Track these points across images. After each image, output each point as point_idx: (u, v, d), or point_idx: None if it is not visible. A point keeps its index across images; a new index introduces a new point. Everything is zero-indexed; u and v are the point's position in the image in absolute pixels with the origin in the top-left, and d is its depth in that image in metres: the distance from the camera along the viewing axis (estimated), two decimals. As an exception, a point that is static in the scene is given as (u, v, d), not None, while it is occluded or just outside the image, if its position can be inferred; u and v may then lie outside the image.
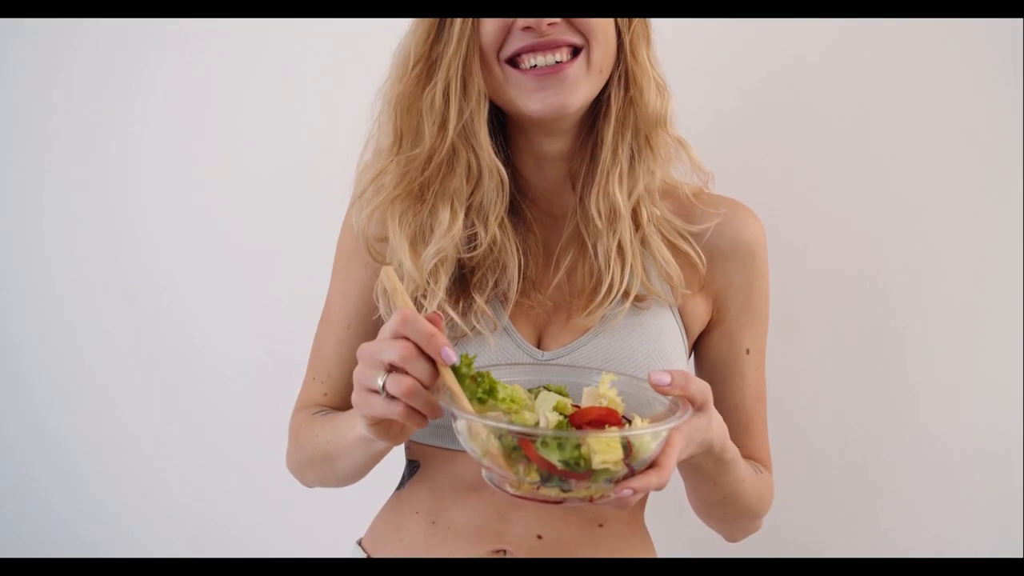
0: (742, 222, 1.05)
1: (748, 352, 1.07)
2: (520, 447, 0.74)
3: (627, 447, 0.75)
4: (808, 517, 1.34)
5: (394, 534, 1.05)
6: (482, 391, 0.78)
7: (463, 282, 1.01)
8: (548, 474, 0.74)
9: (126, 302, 1.62)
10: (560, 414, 0.78)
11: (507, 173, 1.01)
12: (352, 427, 0.92)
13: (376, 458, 0.97)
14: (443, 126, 0.97)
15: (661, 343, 0.99)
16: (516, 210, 1.04)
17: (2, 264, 1.69)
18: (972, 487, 1.27)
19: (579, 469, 0.74)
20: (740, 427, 1.07)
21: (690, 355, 1.09)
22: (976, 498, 1.27)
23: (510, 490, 0.77)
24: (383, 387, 0.77)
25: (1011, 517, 1.25)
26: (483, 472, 0.79)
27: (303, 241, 1.49)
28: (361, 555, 1.08)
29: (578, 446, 0.73)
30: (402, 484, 1.08)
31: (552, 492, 0.76)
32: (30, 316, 1.69)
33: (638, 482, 0.76)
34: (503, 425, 0.75)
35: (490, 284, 1.01)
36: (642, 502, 1.07)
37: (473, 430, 0.77)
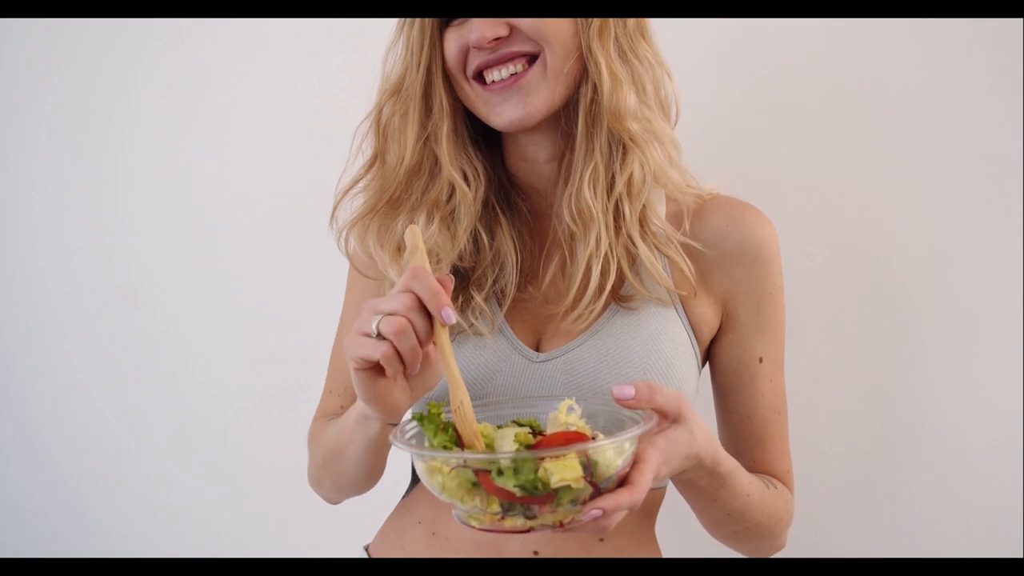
0: (750, 225, 1.02)
1: (761, 361, 1.03)
2: (479, 482, 0.73)
3: (587, 464, 0.72)
4: (807, 518, 1.33)
5: (397, 542, 1.06)
6: (450, 436, 0.79)
7: (463, 280, 1.02)
8: (509, 504, 0.73)
9: (120, 306, 1.62)
10: (521, 445, 0.76)
11: (502, 174, 1.05)
12: (353, 410, 0.94)
13: (376, 445, 0.95)
14: (405, 146, 1.00)
15: (660, 344, 0.97)
16: (512, 206, 1.06)
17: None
18: (972, 487, 1.26)
19: (538, 492, 0.71)
20: (754, 440, 1.04)
21: (704, 362, 1.06)
22: (976, 498, 1.26)
23: (475, 525, 0.76)
24: (376, 328, 0.78)
25: (1011, 517, 1.24)
26: (452, 511, 0.79)
27: (299, 246, 1.49)
28: (365, 562, 1.09)
29: (535, 469, 0.71)
30: (408, 492, 1.10)
31: (517, 521, 0.74)
32: (23, 321, 1.69)
33: (606, 501, 0.73)
34: (454, 455, 0.75)
35: (489, 281, 1.02)
36: (650, 515, 1.05)
37: (431, 468, 0.76)
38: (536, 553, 0.97)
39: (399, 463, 1.11)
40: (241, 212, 1.56)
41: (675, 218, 1.02)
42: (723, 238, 1.01)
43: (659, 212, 1.01)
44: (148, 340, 1.63)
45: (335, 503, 1.13)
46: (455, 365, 0.80)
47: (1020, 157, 1.21)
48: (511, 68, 0.95)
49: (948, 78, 1.23)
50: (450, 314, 0.78)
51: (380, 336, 0.78)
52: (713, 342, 1.04)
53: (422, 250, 0.82)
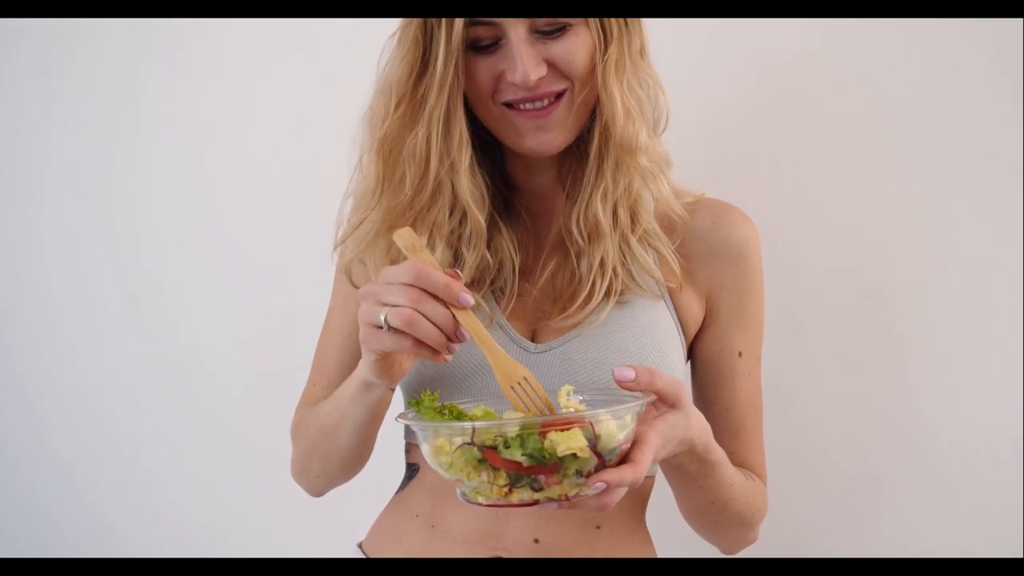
0: (735, 224, 1.07)
1: (741, 355, 1.07)
2: (485, 459, 0.75)
3: (591, 436, 0.75)
4: (808, 517, 1.34)
5: (393, 537, 1.06)
6: (449, 419, 0.81)
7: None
8: (516, 475, 0.75)
9: (126, 306, 1.62)
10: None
11: (499, 182, 1.06)
12: (350, 383, 0.96)
13: (374, 413, 0.98)
14: (425, 173, 0.98)
15: (654, 335, 1.01)
16: (509, 206, 1.08)
17: (2, 266, 1.69)
18: (972, 487, 1.27)
19: (546, 461, 0.74)
20: (731, 432, 1.07)
21: (688, 357, 1.09)
22: (976, 498, 1.27)
23: (482, 501, 0.77)
24: (385, 321, 0.80)
25: (1011, 517, 1.25)
26: (456, 490, 0.80)
27: (305, 246, 1.48)
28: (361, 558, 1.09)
29: (541, 440, 0.74)
30: (402, 487, 1.10)
31: (524, 494, 0.76)
32: (29, 319, 1.69)
33: (611, 475, 0.75)
34: (463, 424, 0.77)
35: (488, 280, 1.04)
36: (641, 503, 1.07)
37: (437, 447, 0.78)
38: (536, 541, 0.99)
39: (391, 458, 1.11)
40: (247, 212, 1.56)
41: (663, 218, 1.05)
42: (709, 235, 1.06)
43: (649, 210, 1.05)
44: (150, 343, 1.63)
45: (318, 494, 1.14)
46: (496, 345, 0.84)
47: (1020, 158, 1.21)
48: (544, 101, 0.97)
49: (948, 77, 1.24)
50: (467, 297, 0.81)
51: (394, 329, 0.80)
52: (696, 336, 1.08)
53: (421, 248, 0.83)
